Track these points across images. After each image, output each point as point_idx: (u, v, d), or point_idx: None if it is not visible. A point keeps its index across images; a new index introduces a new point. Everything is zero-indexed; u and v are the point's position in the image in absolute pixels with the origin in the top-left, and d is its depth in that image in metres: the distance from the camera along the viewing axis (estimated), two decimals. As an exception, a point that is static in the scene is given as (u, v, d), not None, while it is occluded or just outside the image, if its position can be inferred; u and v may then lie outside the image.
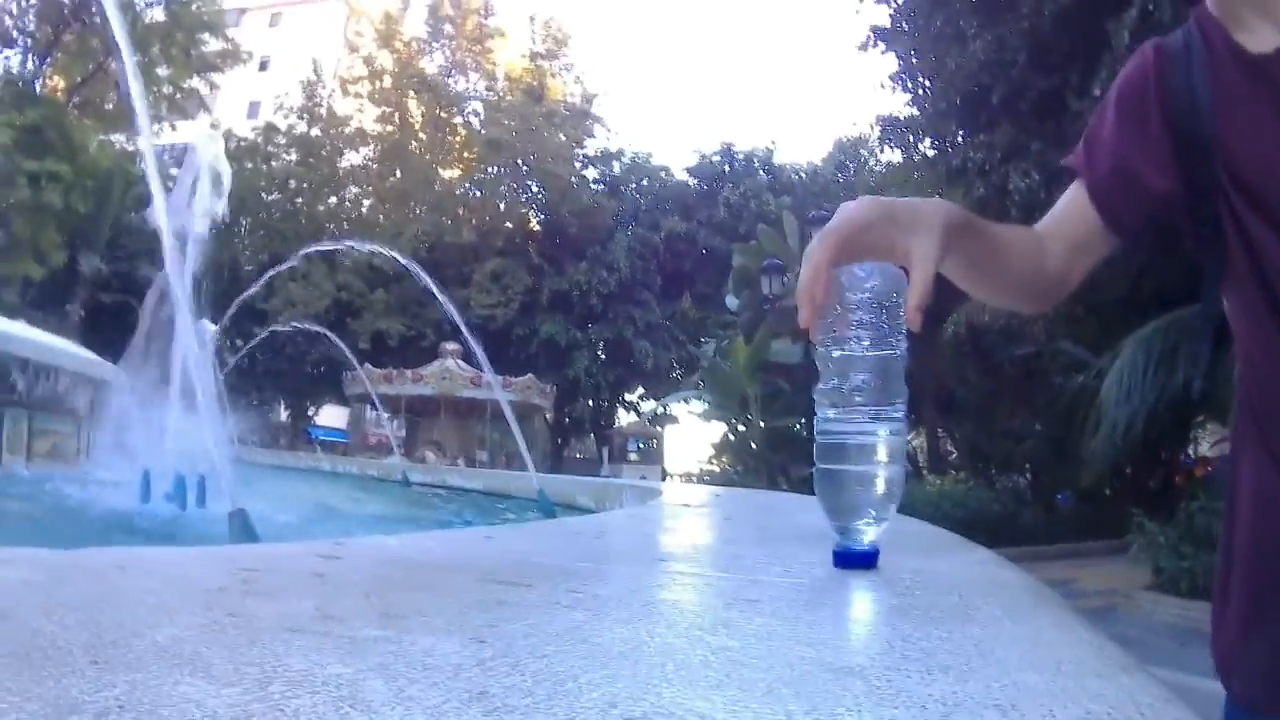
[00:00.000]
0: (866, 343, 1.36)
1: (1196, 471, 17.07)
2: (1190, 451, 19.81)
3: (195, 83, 38.92)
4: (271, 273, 23.27)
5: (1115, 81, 1.63)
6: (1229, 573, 1.55)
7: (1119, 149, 1.57)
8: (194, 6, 36.55)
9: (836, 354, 1.38)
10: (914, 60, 19.56)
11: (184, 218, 11.73)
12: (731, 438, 33.43)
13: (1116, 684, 0.81)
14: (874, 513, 1.41)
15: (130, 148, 34.24)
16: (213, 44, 38.84)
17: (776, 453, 28.64)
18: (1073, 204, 1.62)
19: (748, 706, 0.71)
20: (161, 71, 35.92)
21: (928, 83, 19.37)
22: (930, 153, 20.78)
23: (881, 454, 1.38)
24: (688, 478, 40.64)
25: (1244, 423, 1.56)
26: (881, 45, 20.12)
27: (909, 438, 34.16)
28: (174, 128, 36.73)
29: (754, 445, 30.04)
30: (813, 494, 1.45)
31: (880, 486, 1.38)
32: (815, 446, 1.41)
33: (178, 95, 37.83)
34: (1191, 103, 1.48)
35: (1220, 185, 1.45)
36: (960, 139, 18.59)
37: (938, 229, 1.36)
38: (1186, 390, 13.01)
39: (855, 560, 1.44)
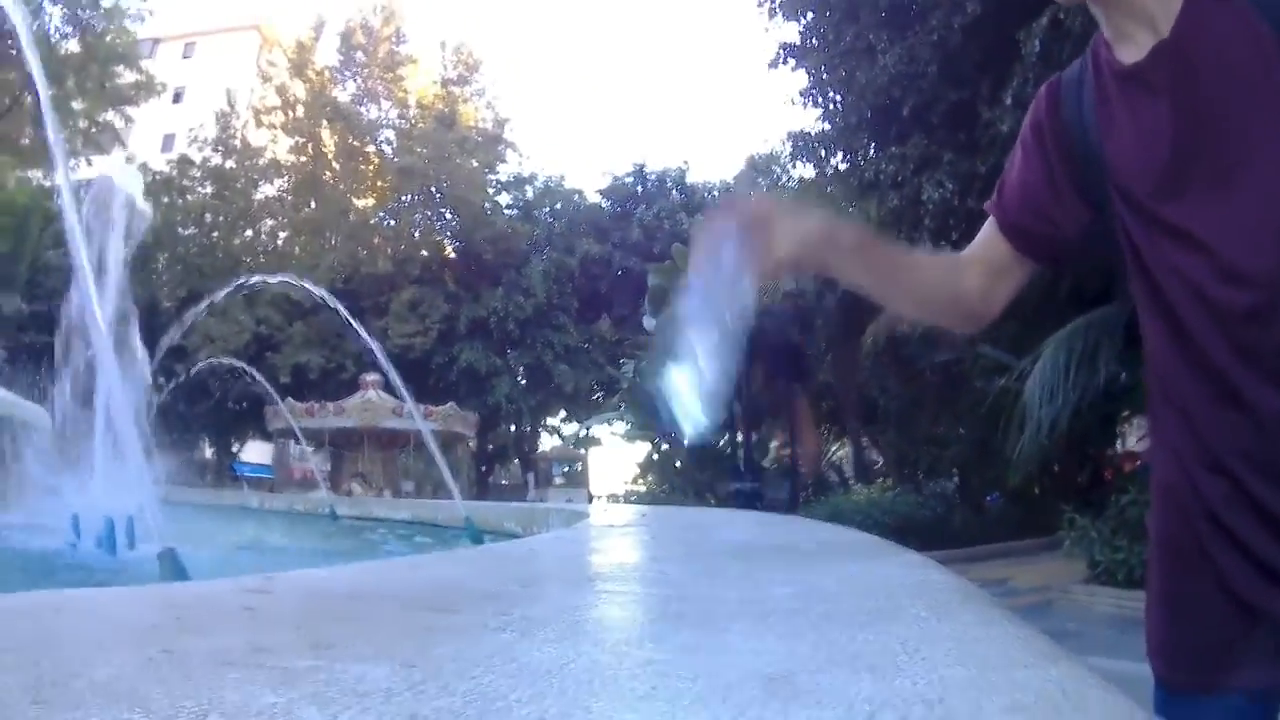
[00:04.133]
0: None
1: (1125, 466, 17.27)
2: (1118, 446, 20.05)
3: (110, 116, 38.45)
4: (198, 309, 23.00)
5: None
6: (1149, 562, 1.62)
7: (1025, 190, 1.67)
8: (108, 38, 36.11)
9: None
10: (824, 75, 19.57)
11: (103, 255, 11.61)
12: (655, 457, 33.50)
13: (1043, 674, 0.82)
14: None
15: (48, 183, 33.68)
16: (127, 76, 38.38)
17: (702, 470, 28.70)
18: (992, 235, 1.72)
19: (675, 716, 0.71)
20: (76, 105, 35.56)
21: (838, 97, 19.40)
22: (842, 166, 20.81)
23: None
24: (614, 499, 40.61)
25: (1152, 417, 1.62)
26: (791, 62, 20.17)
27: (834, 448, 34.40)
28: (89, 162, 36.27)
29: (678, 464, 30.10)
30: (739, 508, 1.47)
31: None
32: None
33: (93, 129, 37.38)
34: (1081, 127, 1.56)
35: (1110, 194, 1.53)
36: (872, 152, 18.67)
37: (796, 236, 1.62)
38: (1110, 387, 13.25)
39: None
